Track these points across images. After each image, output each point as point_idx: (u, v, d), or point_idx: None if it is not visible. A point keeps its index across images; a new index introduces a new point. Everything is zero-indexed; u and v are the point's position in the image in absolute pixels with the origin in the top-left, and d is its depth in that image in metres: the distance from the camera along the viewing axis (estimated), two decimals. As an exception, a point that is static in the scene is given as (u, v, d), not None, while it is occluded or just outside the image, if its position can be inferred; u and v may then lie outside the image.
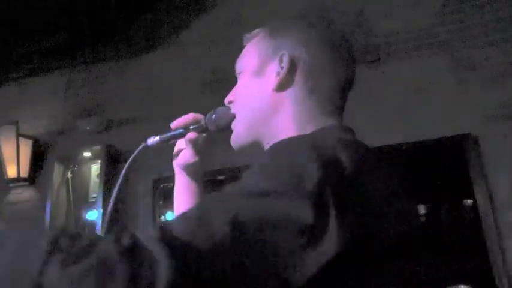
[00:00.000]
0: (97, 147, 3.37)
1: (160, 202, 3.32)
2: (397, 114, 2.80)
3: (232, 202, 0.50)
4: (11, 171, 3.51)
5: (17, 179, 3.52)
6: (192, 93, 3.26)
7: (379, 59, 2.90)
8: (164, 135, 0.91)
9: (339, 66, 0.78)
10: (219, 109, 0.89)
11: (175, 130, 0.91)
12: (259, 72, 0.80)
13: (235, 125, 0.83)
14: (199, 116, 0.91)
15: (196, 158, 0.91)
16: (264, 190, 0.50)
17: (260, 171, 0.54)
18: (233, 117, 0.83)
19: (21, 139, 3.53)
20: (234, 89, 0.86)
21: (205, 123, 0.90)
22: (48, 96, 3.80)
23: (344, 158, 0.55)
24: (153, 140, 0.91)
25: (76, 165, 3.57)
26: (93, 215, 3.24)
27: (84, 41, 3.58)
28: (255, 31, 0.85)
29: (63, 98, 3.70)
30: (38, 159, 3.64)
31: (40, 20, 3.28)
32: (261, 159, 0.58)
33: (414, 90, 2.77)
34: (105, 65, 3.71)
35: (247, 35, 0.86)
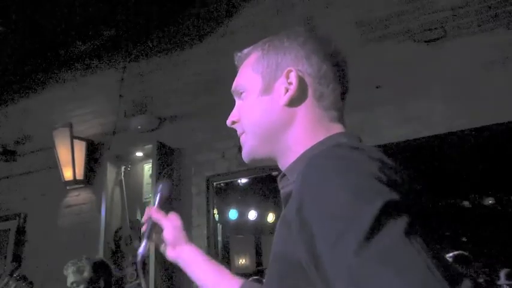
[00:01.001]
0: (149, 146, 3.32)
1: (214, 200, 3.32)
2: (464, 94, 2.57)
3: (393, 252, 0.48)
4: (67, 174, 3.56)
5: (74, 181, 3.57)
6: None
7: (444, 35, 2.67)
8: (145, 234, 1.01)
9: (338, 71, 0.81)
10: (161, 187, 1.08)
11: (146, 227, 1.02)
12: (266, 90, 0.81)
13: (246, 142, 0.84)
14: (156, 205, 1.05)
15: (175, 223, 1.03)
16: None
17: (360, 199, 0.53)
18: (240, 135, 0.87)
19: (75, 141, 3.57)
20: (236, 109, 0.87)
21: (157, 200, 1.05)
22: (100, 96, 3.83)
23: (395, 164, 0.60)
24: (142, 247, 0.98)
25: (129, 165, 3.59)
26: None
27: (133, 37, 3.55)
28: (247, 50, 0.87)
29: (115, 97, 3.72)
30: (93, 160, 3.71)
31: (89, 18, 3.29)
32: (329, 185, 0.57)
33: (482, 67, 2.57)
34: (154, 61, 3.67)
35: (239, 54, 0.88)
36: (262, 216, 4.97)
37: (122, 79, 3.74)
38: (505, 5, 2.61)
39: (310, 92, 0.80)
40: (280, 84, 0.80)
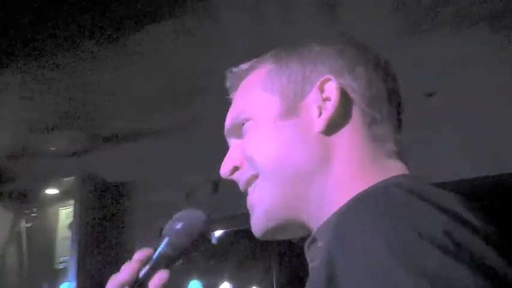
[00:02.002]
0: (69, 179, 2.74)
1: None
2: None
3: None
4: None
5: None
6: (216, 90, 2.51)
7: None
8: None
9: (392, 90, 0.72)
10: (182, 214, 0.73)
11: None
12: (289, 112, 0.69)
13: (261, 193, 0.69)
14: (148, 252, 0.71)
15: None
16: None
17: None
18: (248, 186, 0.72)
19: None
20: (235, 148, 0.74)
21: (166, 249, 0.71)
22: None
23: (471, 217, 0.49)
24: None
25: (34, 210, 2.96)
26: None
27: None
28: (248, 64, 0.76)
29: (16, 103, 2.89)
30: None
31: None
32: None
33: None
34: (81, 55, 2.80)
35: (235, 70, 0.77)
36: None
37: (30, 81, 2.79)
38: None
39: (357, 114, 0.68)
40: (311, 102, 0.68)
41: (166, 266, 0.71)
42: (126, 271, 0.69)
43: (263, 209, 0.68)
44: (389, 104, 0.68)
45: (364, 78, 0.67)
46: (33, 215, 2.90)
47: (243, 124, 0.73)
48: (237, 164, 0.73)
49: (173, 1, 2.74)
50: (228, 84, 0.78)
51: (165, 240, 0.70)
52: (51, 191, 2.86)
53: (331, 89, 0.65)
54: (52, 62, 2.96)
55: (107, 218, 2.74)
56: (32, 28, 2.71)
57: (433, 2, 2.16)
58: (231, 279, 3.41)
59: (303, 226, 0.67)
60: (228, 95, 0.78)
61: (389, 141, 0.67)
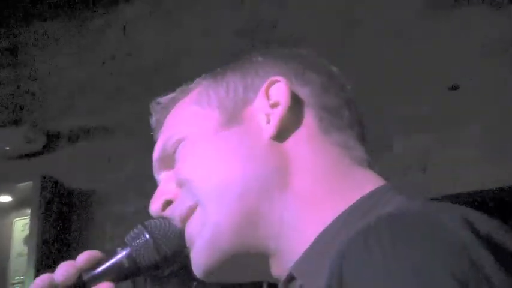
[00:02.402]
0: (25, 184, 2.48)
1: None
2: None
3: None
4: None
5: None
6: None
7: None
8: None
9: (351, 100, 0.68)
10: (153, 224, 0.66)
11: None
12: (230, 122, 0.64)
13: (205, 223, 0.61)
14: (96, 253, 0.65)
15: None
16: None
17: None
18: (184, 218, 0.65)
19: None
20: (167, 181, 0.68)
21: (123, 260, 0.65)
22: None
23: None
24: None
25: None
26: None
27: None
28: (174, 94, 0.71)
29: None
30: None
31: None
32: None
33: None
34: (43, 24, 2.75)
35: (160, 102, 0.71)
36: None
37: None
38: None
39: (312, 119, 0.64)
40: (257, 110, 0.63)
41: (117, 279, 0.65)
42: (64, 270, 0.63)
43: (207, 235, 0.61)
44: (350, 111, 0.65)
45: (317, 83, 0.65)
46: None
47: (175, 151, 0.67)
48: (169, 197, 0.66)
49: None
50: (153, 119, 0.72)
51: (125, 250, 0.64)
52: (5, 198, 2.57)
53: (280, 91, 0.61)
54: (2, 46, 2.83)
55: (71, 230, 2.48)
56: None
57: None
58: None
59: (257, 261, 0.60)
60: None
61: (357, 149, 0.63)
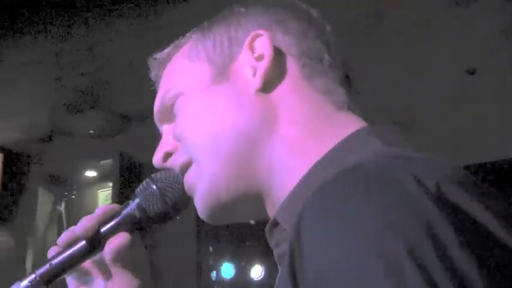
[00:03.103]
0: (106, 162, 2.83)
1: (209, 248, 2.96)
2: None
3: None
4: None
5: None
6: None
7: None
8: (43, 272, 0.67)
9: (332, 43, 0.68)
10: (159, 175, 0.67)
11: (67, 250, 0.67)
12: (220, 78, 0.64)
13: (201, 175, 0.62)
14: (113, 207, 0.68)
15: (137, 281, 0.69)
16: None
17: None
18: (184, 173, 0.67)
19: None
20: (167, 133, 0.69)
21: (135, 211, 0.66)
22: (22, 79, 3.01)
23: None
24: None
25: (74, 192, 3.09)
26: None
27: None
28: (168, 49, 0.72)
29: (48, 80, 2.94)
30: (12, 182, 3.07)
31: None
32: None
33: None
34: (114, 25, 2.91)
35: (156, 58, 0.72)
36: (272, 273, 4.02)
37: (58, 59, 2.94)
38: None
39: (294, 67, 0.64)
40: (243, 63, 0.64)
41: (131, 230, 0.65)
42: (84, 223, 0.64)
43: (205, 186, 0.62)
44: (330, 55, 0.64)
45: (297, 29, 0.64)
46: (72, 197, 2.98)
47: (173, 104, 0.68)
48: (169, 149, 0.67)
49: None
50: (152, 74, 0.73)
51: (135, 202, 0.65)
52: (90, 174, 2.96)
53: (263, 44, 0.61)
54: (81, 44, 3.01)
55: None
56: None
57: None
58: (263, 262, 3.43)
59: (255, 202, 0.61)
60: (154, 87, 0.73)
61: (338, 93, 0.62)
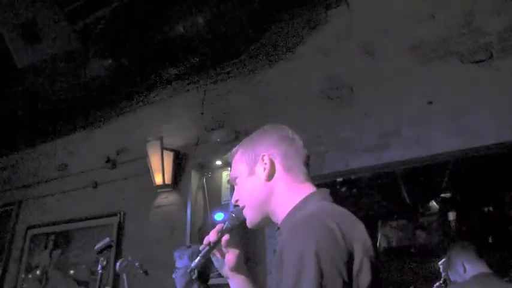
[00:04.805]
0: (227, 156, 2.64)
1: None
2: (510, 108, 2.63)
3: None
4: (158, 179, 3.84)
5: (163, 186, 3.85)
6: (310, 100, 3.40)
7: (491, 56, 2.80)
8: (202, 253, 1.10)
9: (298, 148, 1.06)
10: (234, 209, 1.14)
11: (204, 248, 1.13)
12: (251, 173, 1.07)
13: (246, 213, 1.09)
14: (220, 226, 1.15)
15: (238, 252, 1.15)
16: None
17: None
18: (243, 210, 1.10)
19: (165, 152, 3.85)
20: (235, 191, 1.13)
21: (229, 223, 1.13)
22: (185, 113, 4.10)
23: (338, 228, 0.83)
24: (194, 263, 1.10)
25: (210, 173, 3.82)
26: (220, 217, 3.56)
27: (213, 63, 3.83)
28: (235, 149, 1.15)
29: (198, 114, 3.96)
30: (179, 168, 3.96)
31: (176, 47, 3.60)
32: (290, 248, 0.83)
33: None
34: (231, 82, 3.93)
35: (230, 153, 1.15)
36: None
37: (203, 99, 3.93)
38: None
39: (280, 167, 1.05)
40: (259, 167, 1.07)
41: (229, 232, 1.13)
42: (213, 233, 1.13)
43: (248, 220, 1.08)
44: (299, 158, 1.06)
45: (284, 149, 1.06)
46: (209, 175, 3.81)
47: (236, 178, 1.12)
48: (238, 198, 1.12)
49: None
50: (229, 159, 1.16)
51: (227, 222, 1.13)
52: (218, 162, 3.75)
53: (266, 159, 1.04)
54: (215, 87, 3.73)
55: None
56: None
57: None
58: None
59: (268, 220, 1.06)
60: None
61: (300, 175, 1.04)
